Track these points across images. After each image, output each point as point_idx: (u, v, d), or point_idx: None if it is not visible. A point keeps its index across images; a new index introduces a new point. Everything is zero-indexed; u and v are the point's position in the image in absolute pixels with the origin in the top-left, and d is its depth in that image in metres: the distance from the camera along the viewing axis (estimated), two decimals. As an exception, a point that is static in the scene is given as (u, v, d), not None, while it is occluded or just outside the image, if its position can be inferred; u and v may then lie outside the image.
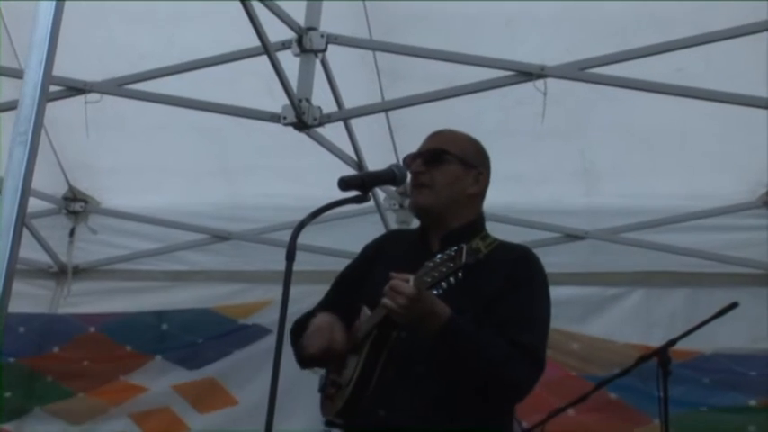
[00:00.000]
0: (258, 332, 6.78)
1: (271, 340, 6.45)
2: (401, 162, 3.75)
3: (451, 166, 3.62)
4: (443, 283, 3.13)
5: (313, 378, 3.64)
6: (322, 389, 3.56)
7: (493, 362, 3.34)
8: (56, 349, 7.09)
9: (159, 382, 6.95)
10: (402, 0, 5.53)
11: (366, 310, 3.47)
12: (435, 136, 3.73)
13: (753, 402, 5.98)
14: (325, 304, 3.74)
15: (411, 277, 3.17)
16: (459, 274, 3.11)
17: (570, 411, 5.48)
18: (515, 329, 3.38)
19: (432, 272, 3.14)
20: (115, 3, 5.63)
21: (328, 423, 3.49)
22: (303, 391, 3.70)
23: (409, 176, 3.64)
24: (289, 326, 3.27)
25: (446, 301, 3.21)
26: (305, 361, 3.56)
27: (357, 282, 3.68)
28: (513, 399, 3.53)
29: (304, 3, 5.22)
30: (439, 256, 3.15)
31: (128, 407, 6.90)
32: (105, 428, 6.89)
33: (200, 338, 7.00)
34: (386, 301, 3.18)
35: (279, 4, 5.04)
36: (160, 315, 7.05)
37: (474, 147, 3.75)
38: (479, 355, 3.32)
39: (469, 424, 3.36)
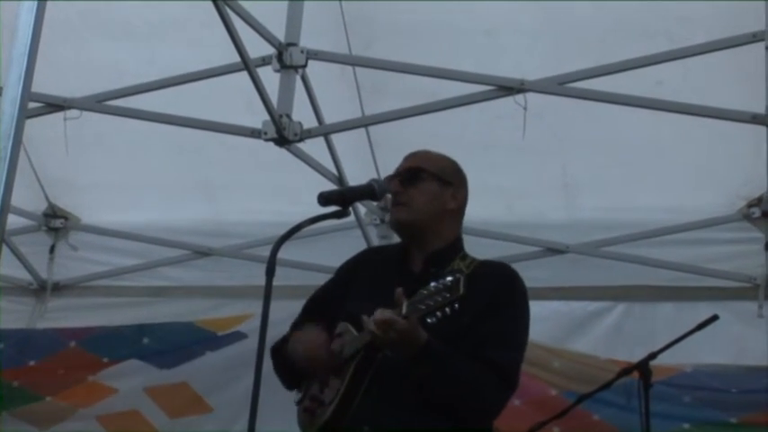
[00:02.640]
0: (235, 336, 6.75)
1: (246, 344, 6.47)
2: (382, 175, 3.77)
3: (428, 183, 3.66)
4: (438, 313, 3.15)
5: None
6: (299, 401, 3.55)
7: (462, 384, 3.37)
8: (32, 363, 7.02)
9: (130, 383, 6.87)
10: (381, 2, 5.53)
11: (346, 327, 3.46)
12: (412, 156, 3.77)
13: (734, 420, 5.96)
14: (300, 326, 3.74)
15: (405, 302, 3.19)
16: (456, 306, 3.13)
17: (549, 423, 5.46)
18: (492, 349, 3.42)
19: (426, 300, 3.15)
20: (94, 19, 5.62)
21: None
22: (280, 404, 3.68)
23: (389, 196, 3.67)
24: (269, 341, 3.26)
25: (438, 329, 3.22)
26: (292, 374, 3.58)
27: (331, 302, 3.69)
28: (484, 417, 3.54)
29: (284, 18, 5.22)
30: (433, 284, 3.16)
31: (95, 409, 6.81)
32: (70, 430, 6.80)
33: (178, 348, 6.95)
34: (374, 330, 3.20)
35: (258, 19, 5.04)
36: (141, 328, 7.01)
37: (450, 165, 3.78)
38: (452, 377, 3.34)
39: None
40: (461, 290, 3.10)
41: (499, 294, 3.53)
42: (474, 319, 3.37)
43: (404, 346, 3.23)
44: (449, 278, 3.13)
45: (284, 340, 3.71)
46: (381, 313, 3.20)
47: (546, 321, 6.40)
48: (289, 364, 3.56)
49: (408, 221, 3.61)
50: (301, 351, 3.50)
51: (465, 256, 3.63)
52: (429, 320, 3.17)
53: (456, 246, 3.69)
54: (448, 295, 3.11)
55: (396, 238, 3.92)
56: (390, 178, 3.69)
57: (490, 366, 3.39)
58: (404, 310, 3.17)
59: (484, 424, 3.55)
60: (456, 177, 3.75)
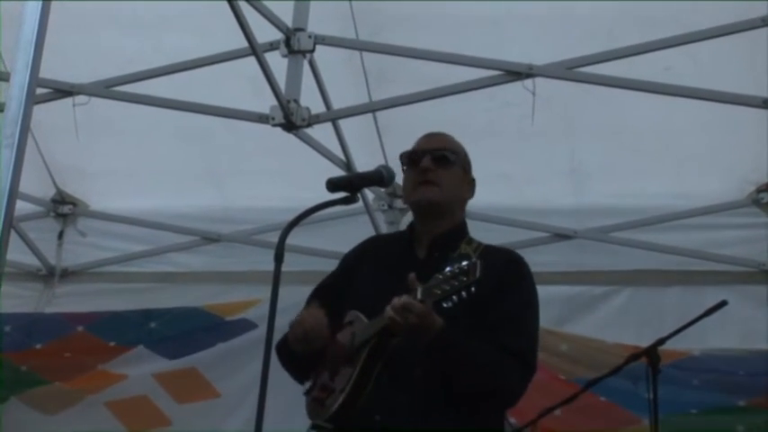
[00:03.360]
0: (244, 326, 6.75)
1: (256, 334, 6.46)
2: (389, 161, 3.76)
3: (456, 169, 3.69)
4: (455, 297, 3.15)
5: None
6: (308, 391, 3.55)
7: (483, 370, 3.38)
8: (38, 346, 7.03)
9: (139, 369, 6.88)
10: (389, 0, 5.52)
11: (356, 315, 3.46)
12: (438, 137, 3.77)
13: (742, 403, 5.97)
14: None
15: (419, 287, 3.19)
16: (473, 289, 3.12)
17: (558, 412, 5.46)
18: (506, 334, 3.42)
19: (442, 284, 3.15)
20: (102, 6, 5.61)
21: (316, 427, 3.49)
22: (288, 391, 3.69)
23: (401, 175, 3.65)
24: (277, 328, 3.26)
25: (454, 314, 3.23)
26: (299, 366, 3.58)
27: (338, 291, 3.69)
28: (504, 404, 3.59)
29: (291, 3, 5.21)
30: (449, 269, 3.16)
31: (104, 395, 6.82)
32: (79, 419, 6.81)
33: (186, 333, 6.96)
34: (394, 316, 3.19)
35: (266, 4, 5.04)
36: (148, 313, 7.01)
37: (467, 155, 3.80)
38: (469, 364, 3.36)
39: (464, 426, 3.39)
40: (478, 274, 3.09)
41: (507, 280, 3.54)
42: (483, 305, 3.36)
43: (421, 331, 3.22)
44: (464, 262, 3.12)
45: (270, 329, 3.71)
46: (399, 299, 3.19)
47: (552, 305, 6.40)
48: (293, 354, 3.53)
49: (438, 201, 3.62)
50: (300, 332, 3.47)
51: (471, 241, 3.64)
52: (445, 305, 3.16)
53: (461, 229, 3.71)
54: (465, 279, 3.10)
55: (400, 225, 3.92)
56: (418, 154, 3.66)
57: (508, 353, 3.40)
58: (419, 295, 3.17)
59: (501, 410, 3.57)
60: (470, 168, 3.79)
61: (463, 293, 3.12)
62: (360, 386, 3.35)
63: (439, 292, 3.15)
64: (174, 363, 6.82)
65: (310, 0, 5.25)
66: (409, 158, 3.70)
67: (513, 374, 3.44)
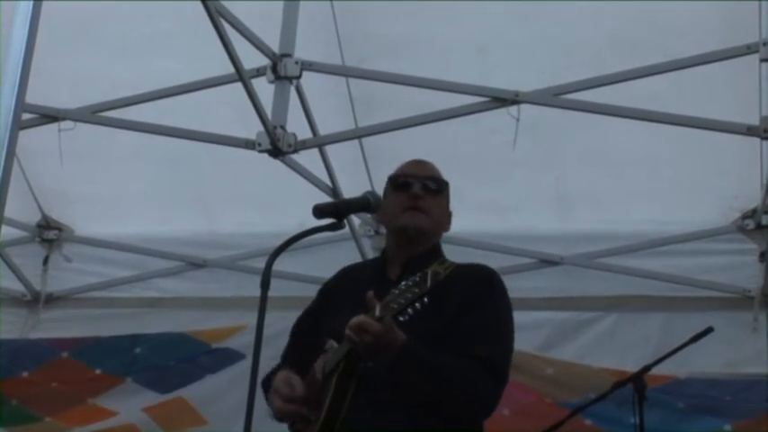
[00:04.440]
0: (231, 356, 6.75)
1: (243, 366, 6.44)
2: (376, 187, 3.76)
3: (443, 198, 3.71)
4: (410, 310, 3.14)
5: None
6: (292, 425, 3.54)
7: (451, 382, 3.36)
8: (25, 374, 7.03)
9: (129, 405, 6.88)
10: (374, 18, 5.52)
11: (331, 343, 3.46)
12: (428, 165, 3.80)
13: (728, 427, 5.98)
14: (289, 351, 3.79)
15: (378, 304, 3.18)
16: (425, 300, 3.12)
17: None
18: (475, 343, 3.42)
19: (398, 299, 3.14)
20: (89, 31, 5.62)
21: None
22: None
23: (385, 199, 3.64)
24: (264, 357, 3.25)
25: (412, 327, 3.22)
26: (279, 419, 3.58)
27: (316, 323, 3.69)
28: (478, 415, 3.53)
29: (278, 29, 5.22)
30: (403, 282, 3.16)
31: (93, 427, 6.82)
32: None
33: (171, 361, 6.95)
34: (351, 336, 3.19)
35: (253, 30, 5.04)
36: (133, 339, 7.01)
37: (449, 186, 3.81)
38: (436, 376, 3.34)
39: None
40: (429, 283, 3.09)
41: (477, 290, 3.55)
42: (454, 317, 3.39)
43: (381, 349, 3.20)
44: (417, 275, 3.13)
45: (275, 371, 3.72)
46: (355, 318, 3.19)
47: (538, 330, 6.46)
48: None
49: (426, 230, 3.64)
50: (280, 405, 3.50)
51: (443, 261, 3.55)
52: (401, 319, 3.16)
53: (436, 251, 3.71)
54: (417, 290, 3.10)
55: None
56: (409, 179, 3.67)
57: (477, 362, 3.39)
58: (377, 312, 3.16)
59: (476, 422, 3.54)
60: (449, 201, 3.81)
61: (417, 305, 3.11)
62: (333, 412, 3.33)
63: (395, 306, 3.14)
64: (163, 397, 6.83)
65: (297, 24, 5.26)
66: (398, 182, 3.70)
67: (484, 383, 3.42)
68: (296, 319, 3.90)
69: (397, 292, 3.15)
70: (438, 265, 3.37)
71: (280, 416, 3.54)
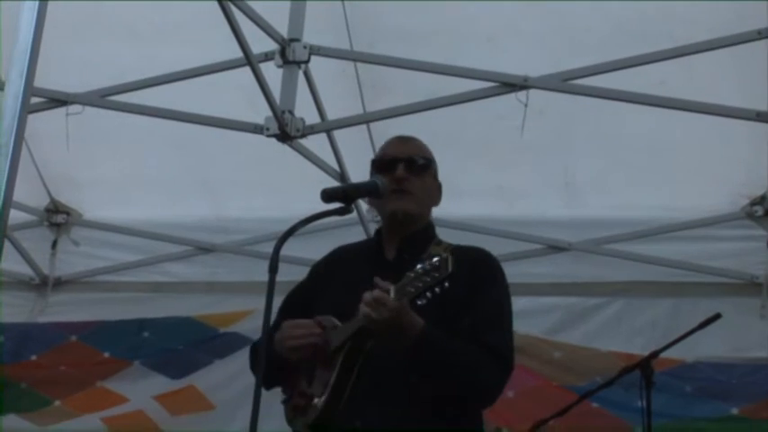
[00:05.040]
0: (239, 341, 6.76)
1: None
2: (372, 167, 3.75)
3: (428, 176, 3.68)
4: (428, 294, 3.13)
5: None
6: (287, 400, 3.53)
7: (466, 368, 3.37)
8: (34, 357, 7.05)
9: (139, 390, 6.89)
10: (383, 4, 5.52)
11: (331, 320, 3.46)
12: (410, 142, 3.76)
13: (735, 411, 5.99)
14: (278, 326, 3.74)
15: (392, 287, 3.18)
16: (446, 284, 3.11)
17: (551, 420, 5.47)
18: (483, 331, 3.42)
19: (414, 282, 3.13)
20: (97, 16, 5.61)
21: None
22: (277, 402, 3.68)
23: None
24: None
25: (428, 311, 3.21)
26: (274, 371, 3.49)
27: (307, 301, 3.67)
28: (485, 404, 3.56)
29: (287, 14, 5.22)
30: (420, 266, 3.14)
31: (102, 413, 6.84)
32: (72, 428, 6.82)
33: (180, 345, 6.97)
34: (368, 311, 3.17)
35: (262, 15, 5.04)
36: (141, 323, 7.04)
37: (435, 160, 3.78)
38: (452, 362, 3.35)
39: (438, 429, 3.39)
40: (450, 268, 3.08)
41: (481, 275, 3.55)
42: (461, 302, 3.38)
43: (397, 329, 3.20)
44: (435, 258, 3.11)
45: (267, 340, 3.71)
46: (370, 293, 3.18)
47: (546, 315, 6.48)
48: (273, 359, 3.43)
49: (413, 212, 3.62)
50: (297, 336, 3.47)
51: (440, 242, 3.61)
52: (419, 302, 3.15)
53: (430, 231, 3.71)
54: (437, 275, 3.09)
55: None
56: (391, 161, 3.65)
57: (487, 350, 3.40)
58: (392, 294, 3.16)
59: (480, 410, 3.56)
60: (437, 172, 3.78)
61: (436, 289, 3.11)
62: (337, 392, 3.34)
63: (412, 289, 3.13)
64: (174, 383, 6.85)
65: (306, 9, 5.25)
66: (381, 165, 3.68)
67: (495, 373, 3.44)
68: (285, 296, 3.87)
69: (412, 275, 3.14)
70: (436, 247, 3.38)
71: (290, 351, 3.47)
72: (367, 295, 3.19)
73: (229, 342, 6.83)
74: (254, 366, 3.69)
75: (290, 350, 3.46)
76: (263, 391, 3.11)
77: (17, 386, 6.95)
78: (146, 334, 7.03)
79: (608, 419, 6.06)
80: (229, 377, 6.68)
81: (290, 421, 3.51)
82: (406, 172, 3.60)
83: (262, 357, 3.03)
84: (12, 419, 6.88)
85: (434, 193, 3.74)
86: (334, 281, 3.66)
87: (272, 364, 3.40)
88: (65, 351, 7.04)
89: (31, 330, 7.17)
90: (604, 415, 6.06)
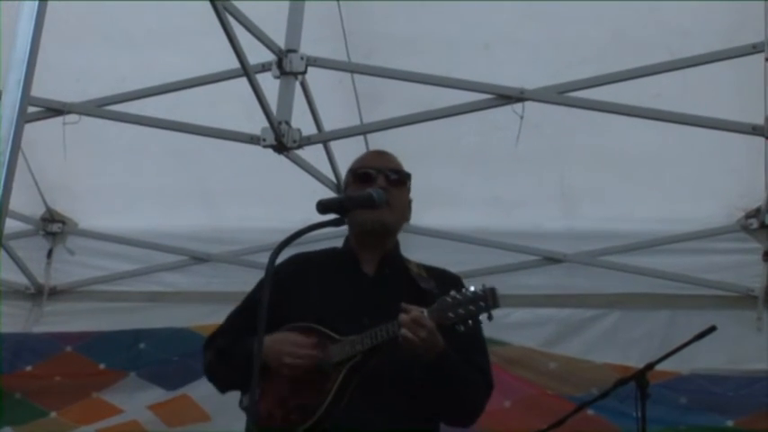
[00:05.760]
0: None
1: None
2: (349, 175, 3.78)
3: (405, 190, 3.71)
4: (470, 321, 3.22)
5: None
6: (249, 406, 3.44)
7: (470, 388, 3.51)
8: (28, 368, 7.03)
9: (134, 402, 6.88)
10: (380, 16, 5.52)
11: (321, 330, 3.47)
12: (388, 155, 3.84)
13: (730, 423, 5.99)
14: (241, 322, 3.79)
15: (424, 310, 3.26)
16: (491, 313, 3.22)
17: (548, 431, 5.46)
18: (474, 354, 3.55)
19: (456, 308, 3.22)
20: (94, 25, 5.62)
21: None
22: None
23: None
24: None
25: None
26: (239, 376, 3.45)
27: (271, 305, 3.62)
28: (472, 420, 3.64)
29: (284, 25, 5.22)
30: (455, 293, 3.24)
31: (98, 425, 6.83)
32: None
33: (175, 356, 6.96)
34: (406, 332, 3.24)
35: (258, 25, 5.05)
36: (137, 334, 7.00)
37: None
38: (463, 383, 3.46)
39: None
40: (498, 301, 3.20)
41: None
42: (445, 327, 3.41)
43: (429, 348, 3.27)
44: (472, 288, 3.23)
45: (227, 339, 3.77)
46: (407, 314, 3.26)
47: (541, 327, 6.49)
48: (243, 365, 3.29)
49: (391, 224, 3.67)
50: (289, 350, 3.48)
51: (409, 260, 3.73)
52: (461, 328, 3.24)
53: (398, 247, 3.78)
54: (482, 304, 3.20)
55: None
56: (371, 172, 3.69)
57: (479, 371, 3.54)
58: (427, 316, 3.25)
59: (465, 426, 3.69)
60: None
61: (479, 318, 3.22)
62: (336, 401, 3.37)
63: (452, 315, 3.23)
64: (168, 394, 6.83)
65: (303, 20, 5.26)
66: (360, 175, 3.72)
67: (486, 394, 3.60)
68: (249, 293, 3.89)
69: (450, 300, 3.24)
70: (408, 263, 3.48)
71: (284, 366, 3.47)
72: (404, 316, 3.25)
73: None
74: (218, 367, 3.76)
75: (285, 365, 3.47)
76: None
77: (11, 396, 6.93)
78: (142, 345, 7.01)
79: (604, 426, 6.05)
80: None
81: (265, 428, 3.47)
82: (386, 183, 3.63)
83: (256, 367, 3.02)
84: (8, 432, 6.87)
85: (407, 209, 3.80)
86: (307, 289, 3.66)
87: (244, 369, 3.25)
88: (60, 362, 7.01)
89: (26, 340, 7.14)
90: (601, 422, 6.05)
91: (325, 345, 3.45)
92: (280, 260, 3.21)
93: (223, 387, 3.77)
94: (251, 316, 3.48)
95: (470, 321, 3.21)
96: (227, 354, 3.67)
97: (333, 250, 3.88)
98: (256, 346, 3.07)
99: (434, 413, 3.50)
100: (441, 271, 3.73)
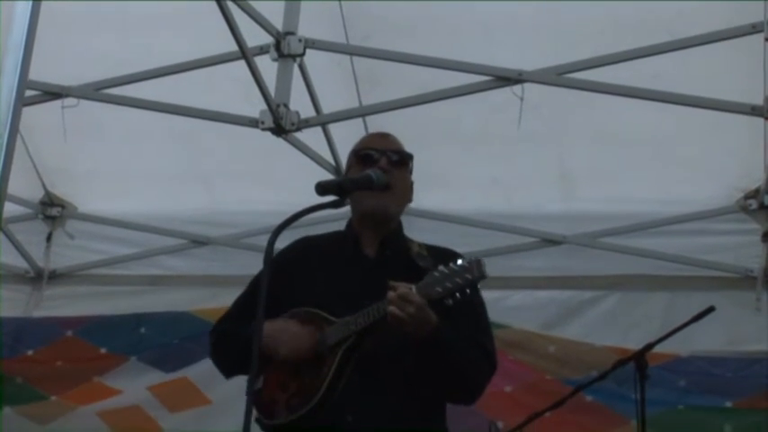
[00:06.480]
0: None
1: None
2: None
3: (407, 172, 3.69)
4: (457, 294, 3.17)
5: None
6: (259, 390, 3.45)
7: (469, 366, 3.45)
8: (30, 352, 7.04)
9: (134, 384, 6.89)
10: (378, 0, 5.52)
11: (319, 314, 3.47)
12: (391, 137, 3.79)
13: (729, 404, 6.00)
14: (241, 312, 3.78)
15: (413, 286, 3.22)
16: (478, 286, 3.19)
17: (546, 413, 5.47)
18: (477, 333, 3.51)
19: (443, 282, 3.18)
20: (92, 9, 5.60)
21: (273, 427, 3.48)
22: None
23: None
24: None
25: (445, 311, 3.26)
26: (244, 362, 3.29)
27: (275, 291, 3.61)
28: (472, 399, 3.62)
29: (282, 7, 5.21)
30: (442, 267, 3.19)
31: (97, 406, 6.84)
32: (72, 428, 6.82)
33: (176, 340, 6.96)
34: (393, 309, 3.21)
35: (256, 8, 5.04)
36: (138, 318, 7.01)
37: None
38: (458, 359, 3.40)
39: (435, 427, 3.50)
40: (484, 271, 3.14)
41: None
42: (441, 303, 3.37)
43: (418, 325, 3.23)
44: (459, 261, 3.18)
45: (232, 325, 3.74)
46: (394, 291, 3.22)
47: (541, 309, 6.49)
48: (245, 350, 3.19)
49: (393, 208, 3.65)
50: (286, 339, 3.47)
51: (411, 240, 3.68)
52: (449, 302, 3.19)
53: (401, 228, 3.74)
54: (468, 276, 3.14)
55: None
56: (374, 154, 3.66)
57: (482, 351, 3.49)
58: (415, 292, 3.21)
59: (466, 404, 3.63)
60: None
61: (467, 290, 3.15)
62: (333, 387, 3.36)
63: (440, 289, 3.18)
64: (167, 376, 6.84)
65: (301, 2, 5.25)
66: (362, 156, 3.70)
67: (488, 374, 3.54)
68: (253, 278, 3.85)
69: (437, 275, 3.19)
70: (410, 243, 3.50)
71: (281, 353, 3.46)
72: (392, 294, 3.22)
73: None
74: (223, 352, 3.73)
75: (284, 355, 3.47)
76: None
77: (13, 380, 6.94)
78: (143, 329, 7.01)
79: (602, 411, 6.06)
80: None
81: (267, 413, 3.49)
82: (388, 165, 3.61)
83: (255, 352, 3.01)
84: (10, 419, 6.86)
85: (410, 190, 3.76)
86: (309, 273, 3.65)
87: (245, 355, 3.17)
88: (61, 346, 7.02)
89: (26, 325, 7.15)
90: (599, 407, 6.06)
91: (323, 328, 3.45)
92: (280, 242, 3.19)
93: (226, 372, 3.77)
94: (255, 301, 3.43)
95: (458, 294, 3.15)
96: (230, 339, 3.67)
97: (336, 233, 3.88)
98: (255, 334, 3.04)
99: (435, 391, 3.46)
100: (443, 249, 3.67)
